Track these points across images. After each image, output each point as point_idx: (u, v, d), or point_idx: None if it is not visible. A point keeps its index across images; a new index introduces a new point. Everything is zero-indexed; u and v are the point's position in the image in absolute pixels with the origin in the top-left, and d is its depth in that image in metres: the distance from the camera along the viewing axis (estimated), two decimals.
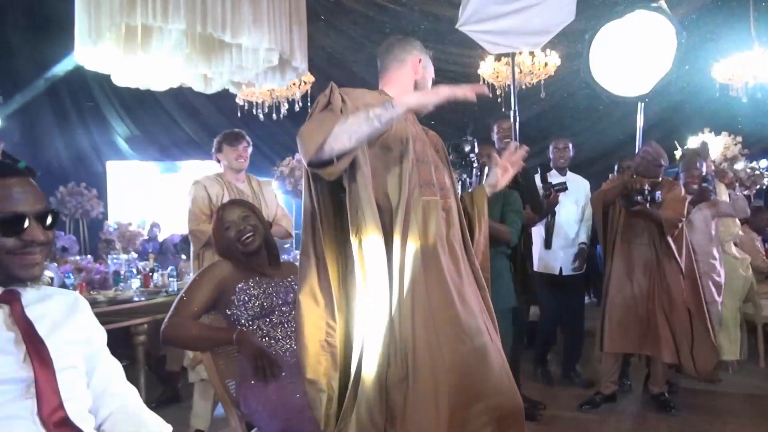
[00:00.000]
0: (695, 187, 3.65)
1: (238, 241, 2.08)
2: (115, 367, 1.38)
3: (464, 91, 1.64)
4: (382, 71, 1.91)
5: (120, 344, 4.88)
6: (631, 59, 3.75)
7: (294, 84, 5.96)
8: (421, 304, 1.62)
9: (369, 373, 1.56)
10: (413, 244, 1.65)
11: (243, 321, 1.99)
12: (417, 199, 1.70)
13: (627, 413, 3.42)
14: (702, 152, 4.39)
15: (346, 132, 1.52)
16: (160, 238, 7.04)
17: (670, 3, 3.78)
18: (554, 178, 3.85)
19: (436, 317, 1.62)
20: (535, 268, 3.89)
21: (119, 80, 4.69)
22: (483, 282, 1.89)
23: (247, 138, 3.35)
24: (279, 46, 4.33)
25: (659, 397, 3.40)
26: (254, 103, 6.22)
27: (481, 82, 6.02)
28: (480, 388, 1.65)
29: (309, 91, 6.21)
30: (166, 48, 4.38)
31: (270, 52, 4.41)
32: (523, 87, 5.74)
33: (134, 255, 4.67)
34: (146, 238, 6.89)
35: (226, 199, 3.04)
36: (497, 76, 5.96)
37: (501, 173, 2.06)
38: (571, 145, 4.06)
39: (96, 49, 4.18)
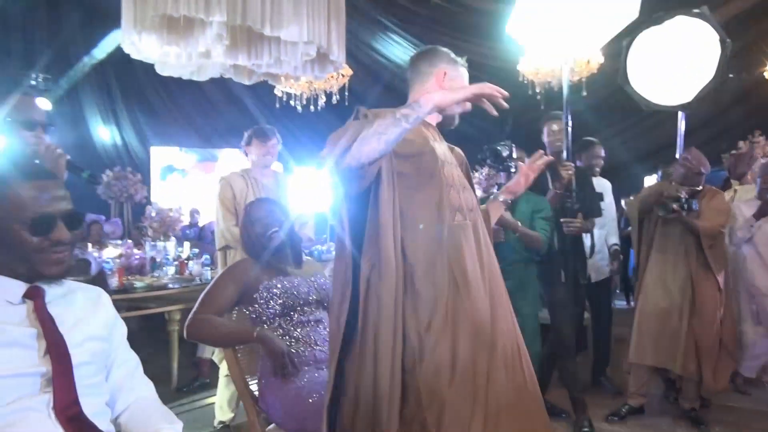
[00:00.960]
0: None
1: (263, 237, 2.13)
2: (132, 362, 1.44)
3: (492, 90, 1.59)
4: (409, 86, 1.89)
5: (156, 329, 5.08)
6: (671, 67, 3.62)
7: (332, 77, 5.99)
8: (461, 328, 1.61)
9: None
10: (446, 272, 1.64)
11: (265, 318, 2.04)
12: (450, 226, 1.68)
13: (654, 427, 3.34)
14: None
15: (374, 134, 1.46)
16: (201, 225, 7.22)
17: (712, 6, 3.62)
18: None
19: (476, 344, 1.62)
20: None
21: (162, 69, 4.82)
22: (507, 297, 1.86)
23: (278, 135, 3.40)
24: (317, 40, 4.36)
25: (690, 412, 3.32)
26: (293, 95, 6.28)
27: (521, 79, 5.93)
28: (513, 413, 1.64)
29: (347, 84, 6.24)
30: (208, 40, 4.48)
31: (308, 45, 4.45)
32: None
33: (172, 241, 4.78)
34: (187, 224, 7.07)
35: (249, 194, 3.10)
36: (537, 73, 5.85)
37: (523, 181, 2.02)
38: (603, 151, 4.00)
39: (140, 40, 4.31)
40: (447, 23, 6.17)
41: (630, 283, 4.33)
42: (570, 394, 3.36)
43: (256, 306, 2.05)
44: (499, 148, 2.96)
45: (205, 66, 4.95)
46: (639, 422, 3.36)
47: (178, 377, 3.87)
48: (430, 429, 1.53)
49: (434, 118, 1.87)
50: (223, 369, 3.07)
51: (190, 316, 2.01)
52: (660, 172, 4.14)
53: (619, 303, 6.16)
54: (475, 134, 8.49)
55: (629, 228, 4.27)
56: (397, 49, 7.00)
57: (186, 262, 3.96)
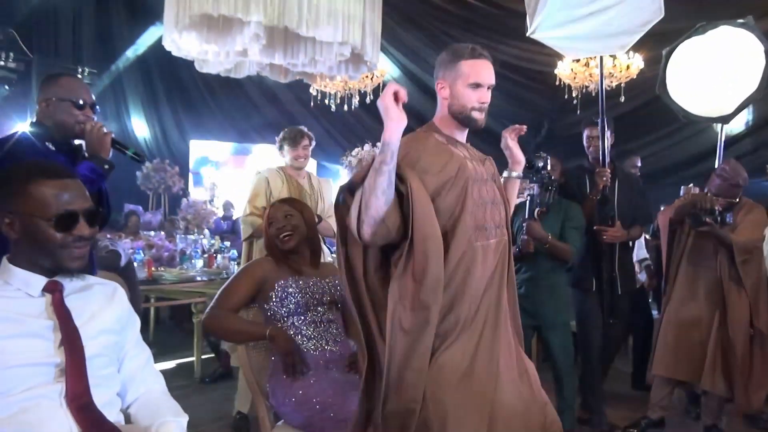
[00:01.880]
0: None
1: (276, 238, 2.18)
2: (144, 355, 1.51)
3: (387, 92, 1.58)
4: None
5: (183, 319, 5.23)
6: (711, 78, 3.52)
7: (366, 77, 6.03)
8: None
9: None
10: (462, 293, 1.67)
11: (279, 316, 2.09)
12: (472, 246, 1.71)
13: None
14: None
15: (370, 194, 1.54)
16: (234, 218, 7.37)
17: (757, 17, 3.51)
18: None
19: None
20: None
21: (201, 67, 4.95)
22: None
23: (308, 135, 3.45)
24: (351, 41, 4.42)
25: (711, 429, 3.23)
26: (327, 94, 6.36)
27: (557, 83, 5.86)
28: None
29: (381, 85, 6.27)
30: (245, 39, 4.58)
31: (342, 46, 4.50)
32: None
33: (205, 233, 4.88)
34: (221, 216, 7.23)
35: (285, 192, 3.16)
36: (574, 77, 5.76)
37: (508, 154, 2.04)
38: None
39: (181, 37, 4.44)
40: (482, 24, 6.13)
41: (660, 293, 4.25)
42: (584, 402, 3.32)
43: (271, 304, 2.10)
44: (534, 158, 2.96)
45: (242, 64, 5.07)
46: None
47: (202, 367, 3.98)
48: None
49: (457, 132, 1.86)
50: (237, 360, 3.15)
51: (207, 310, 2.07)
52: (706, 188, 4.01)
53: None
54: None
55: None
56: (432, 50, 7.00)
57: (215, 255, 4.06)
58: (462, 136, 1.89)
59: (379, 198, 1.54)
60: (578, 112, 5.82)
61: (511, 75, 6.49)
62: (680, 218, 3.27)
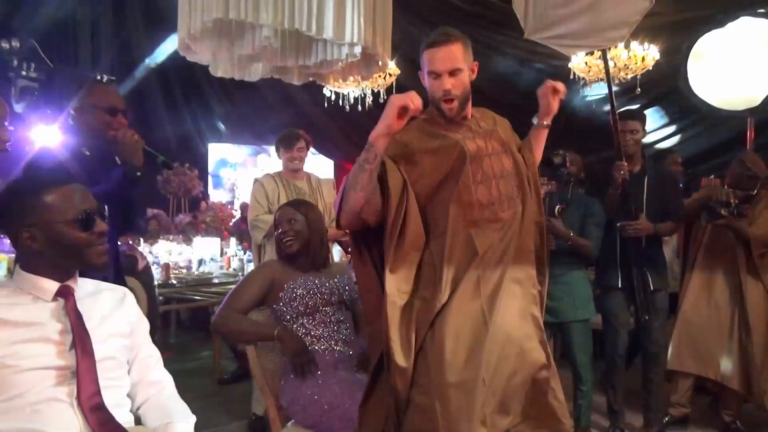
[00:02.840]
0: None
1: (281, 242, 2.22)
2: (153, 357, 1.55)
3: (404, 101, 1.61)
4: None
5: (201, 321, 5.31)
6: (737, 70, 3.46)
7: (379, 76, 6.05)
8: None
9: None
10: (455, 275, 1.73)
11: (288, 317, 2.12)
12: (466, 224, 1.77)
13: None
14: None
15: (351, 188, 1.63)
16: None
17: None
18: None
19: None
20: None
21: (216, 70, 5.02)
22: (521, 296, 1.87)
23: (304, 138, 3.48)
24: (362, 41, 4.43)
25: (730, 425, 3.19)
26: (341, 94, 6.39)
27: (571, 76, 5.79)
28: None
29: (394, 83, 6.29)
30: (257, 42, 4.63)
31: (353, 46, 4.53)
32: (615, 82, 5.45)
33: (222, 237, 4.94)
34: (240, 218, 7.31)
35: (281, 195, 3.20)
36: (589, 70, 5.70)
37: (546, 103, 2.00)
38: None
39: (195, 43, 4.52)
40: (495, 20, 6.09)
41: None
42: (607, 401, 3.29)
43: (281, 305, 2.13)
44: (551, 156, 2.96)
45: (255, 67, 5.13)
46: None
47: (221, 368, 4.04)
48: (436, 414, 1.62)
49: (457, 114, 1.89)
50: None
51: (216, 311, 2.11)
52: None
53: None
54: (524, 133, 8.36)
55: None
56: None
57: (231, 257, 4.12)
58: (464, 117, 1.93)
59: (358, 192, 1.62)
60: (594, 106, 5.76)
61: (525, 69, 6.44)
62: (696, 212, 3.23)
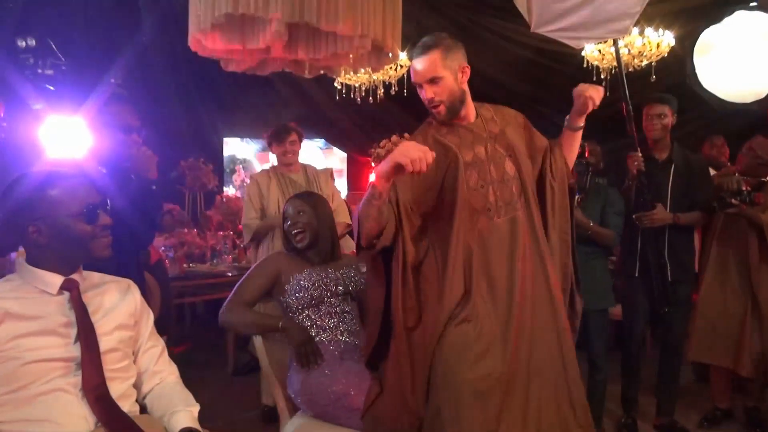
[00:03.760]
0: None
1: (290, 234, 2.23)
2: (158, 347, 1.58)
3: (416, 154, 1.61)
4: None
5: (215, 314, 5.35)
6: (740, 63, 3.41)
7: (390, 68, 6.03)
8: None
9: None
10: (461, 274, 1.77)
11: (294, 309, 2.14)
12: (467, 230, 1.81)
13: None
14: None
15: (364, 218, 1.70)
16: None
17: None
18: None
19: None
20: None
21: (227, 66, 5.05)
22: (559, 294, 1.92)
23: (296, 131, 3.49)
24: (372, 33, 4.43)
25: (752, 411, 3.17)
26: (352, 87, 6.38)
27: (585, 64, 5.72)
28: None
29: (405, 75, 6.26)
30: (267, 36, 4.65)
31: (363, 38, 4.52)
32: (630, 69, 5.38)
33: (236, 230, 4.98)
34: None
35: (274, 190, 3.21)
36: (603, 58, 5.62)
37: (581, 101, 2.01)
38: None
39: (205, 38, 4.55)
40: (508, 9, 6.03)
41: None
42: (622, 390, 3.28)
43: (286, 297, 2.15)
44: None
45: (266, 61, 5.16)
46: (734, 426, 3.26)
47: (234, 359, 4.10)
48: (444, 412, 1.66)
49: (449, 118, 1.93)
50: None
51: (224, 305, 2.14)
52: None
53: None
54: (539, 122, 8.28)
55: None
56: (460, 39, 6.92)
57: (245, 250, 4.16)
58: (464, 119, 1.96)
59: (371, 222, 1.69)
60: (607, 93, 5.67)
61: (538, 59, 6.38)
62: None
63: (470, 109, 1.98)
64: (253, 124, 9.30)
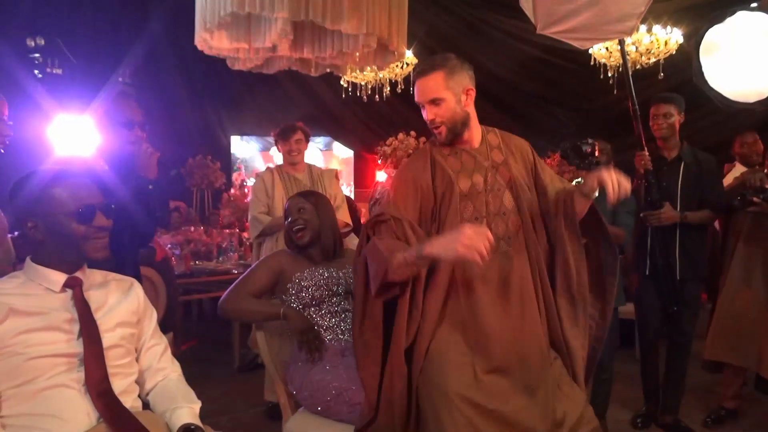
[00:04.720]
0: None
1: (291, 231, 2.24)
2: (161, 345, 1.60)
3: (480, 246, 1.55)
4: None
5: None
6: (744, 62, 3.37)
7: (396, 65, 6.04)
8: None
9: None
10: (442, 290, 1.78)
11: (295, 308, 2.14)
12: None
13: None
14: None
15: (387, 275, 1.66)
16: None
17: None
18: None
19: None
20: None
21: (233, 64, 5.08)
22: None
23: (302, 130, 3.49)
24: (377, 31, 4.43)
25: None
26: (358, 85, 6.40)
27: (592, 62, 5.70)
28: None
29: (411, 73, 6.26)
30: (273, 35, 4.67)
31: (368, 37, 4.53)
32: (637, 67, 5.35)
33: (242, 227, 5.01)
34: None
35: (278, 187, 3.22)
36: (610, 56, 5.59)
37: (594, 184, 1.89)
38: None
39: (212, 37, 4.57)
40: (515, 6, 6.02)
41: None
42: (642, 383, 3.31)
43: (288, 296, 2.16)
44: (581, 145, 2.92)
45: (272, 60, 5.18)
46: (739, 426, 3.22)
47: (239, 356, 4.13)
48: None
49: (449, 139, 1.88)
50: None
51: (224, 294, 2.16)
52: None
53: None
54: (547, 121, 8.26)
55: None
56: (467, 37, 6.91)
57: (251, 247, 4.18)
58: (467, 142, 1.90)
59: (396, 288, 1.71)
60: (615, 92, 5.65)
61: (548, 57, 6.36)
62: (731, 199, 3.13)
63: (475, 132, 1.92)
64: (260, 123, 9.34)
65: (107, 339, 1.42)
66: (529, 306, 1.83)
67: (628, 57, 5.60)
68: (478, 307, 1.76)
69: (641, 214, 3.05)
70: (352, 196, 8.16)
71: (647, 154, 3.04)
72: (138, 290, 1.59)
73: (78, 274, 1.47)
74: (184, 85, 8.62)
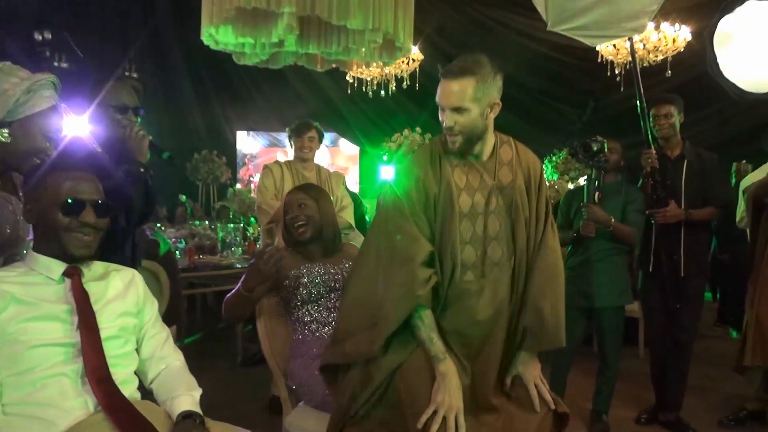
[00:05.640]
0: None
1: (292, 227, 2.22)
2: (163, 334, 1.61)
3: None
4: None
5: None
6: (757, 54, 3.34)
7: (402, 62, 6.03)
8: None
9: None
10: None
11: (293, 305, 2.13)
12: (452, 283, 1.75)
13: None
14: None
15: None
16: None
17: None
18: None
19: None
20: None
21: (239, 59, 5.09)
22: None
23: (316, 128, 3.48)
24: (383, 27, 4.43)
25: None
26: (364, 81, 6.39)
27: (599, 59, 5.68)
28: None
29: (418, 69, 6.25)
30: (280, 30, 4.67)
31: (374, 32, 4.52)
32: (645, 64, 5.31)
33: (247, 222, 5.02)
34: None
35: (287, 182, 3.20)
36: (617, 53, 5.56)
37: None
38: None
39: (218, 32, 4.58)
40: (523, 4, 6.00)
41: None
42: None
43: (286, 293, 2.14)
44: (590, 142, 2.92)
45: (278, 55, 5.18)
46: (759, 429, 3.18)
47: (242, 350, 4.15)
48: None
49: (462, 150, 1.78)
50: None
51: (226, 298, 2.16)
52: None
53: None
54: (554, 118, 8.23)
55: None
56: (475, 35, 6.89)
57: (255, 242, 4.19)
58: (477, 154, 1.80)
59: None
60: (622, 89, 5.62)
61: (556, 55, 6.33)
62: (764, 196, 3.09)
63: (488, 144, 1.81)
64: (266, 118, 9.35)
65: (106, 330, 1.43)
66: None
67: (636, 54, 5.60)
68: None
69: (647, 212, 3.04)
70: (357, 192, 8.16)
71: (654, 152, 3.03)
72: (140, 281, 1.59)
73: (77, 263, 1.47)
74: (190, 79, 8.64)
